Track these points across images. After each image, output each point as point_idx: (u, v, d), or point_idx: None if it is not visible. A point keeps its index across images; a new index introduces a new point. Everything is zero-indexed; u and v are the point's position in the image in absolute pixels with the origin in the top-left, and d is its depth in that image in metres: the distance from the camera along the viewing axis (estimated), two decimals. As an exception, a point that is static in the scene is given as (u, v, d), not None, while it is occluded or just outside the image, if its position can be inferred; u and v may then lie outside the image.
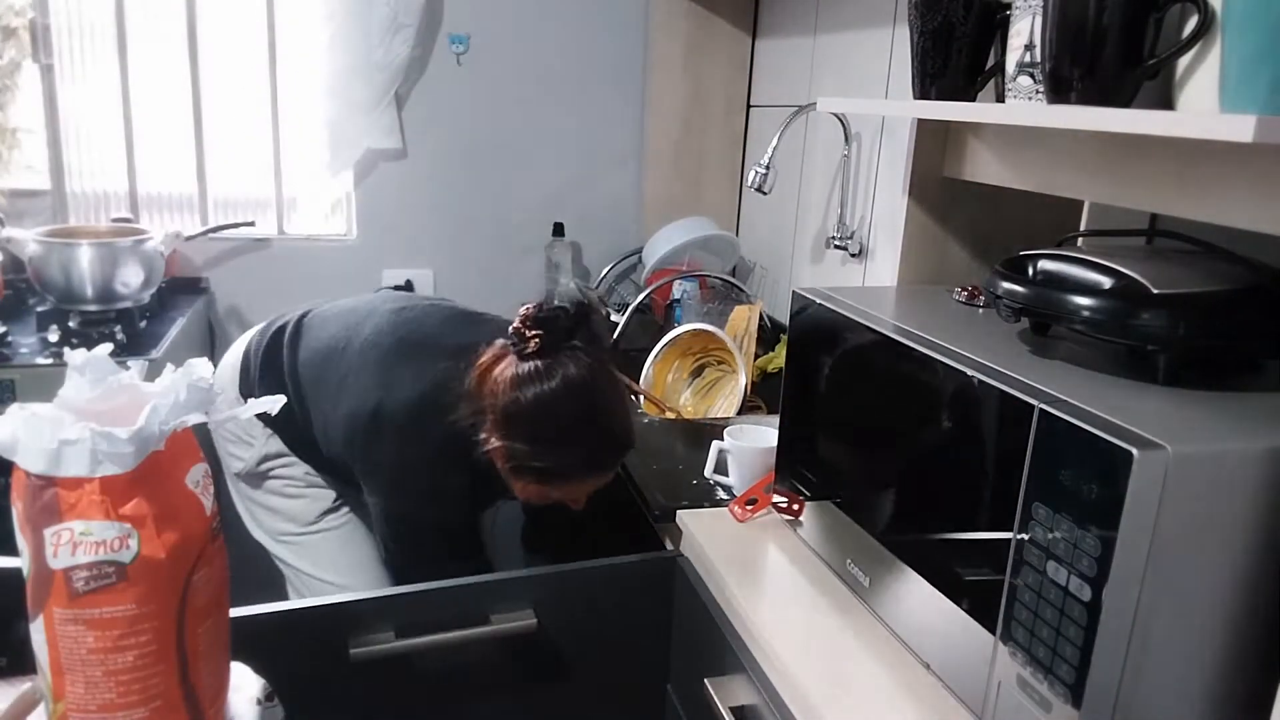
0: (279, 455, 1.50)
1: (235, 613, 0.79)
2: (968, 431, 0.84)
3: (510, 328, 1.23)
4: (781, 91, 2.24)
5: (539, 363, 1.19)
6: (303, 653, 1.04)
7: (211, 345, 2.28)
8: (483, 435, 1.23)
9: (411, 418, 1.28)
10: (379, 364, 1.34)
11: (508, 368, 1.21)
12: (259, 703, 0.80)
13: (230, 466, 1.55)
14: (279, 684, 0.84)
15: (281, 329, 1.50)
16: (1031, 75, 0.95)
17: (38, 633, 0.68)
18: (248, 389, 1.49)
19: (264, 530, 1.56)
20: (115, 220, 2.12)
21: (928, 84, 1.09)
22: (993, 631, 0.80)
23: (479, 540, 1.47)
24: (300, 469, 1.51)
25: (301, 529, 1.54)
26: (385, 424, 1.29)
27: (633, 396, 1.75)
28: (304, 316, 1.51)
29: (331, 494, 1.54)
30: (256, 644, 0.85)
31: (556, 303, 1.32)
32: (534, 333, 1.20)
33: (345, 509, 1.56)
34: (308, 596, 1.50)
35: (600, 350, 1.27)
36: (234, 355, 1.55)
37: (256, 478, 1.53)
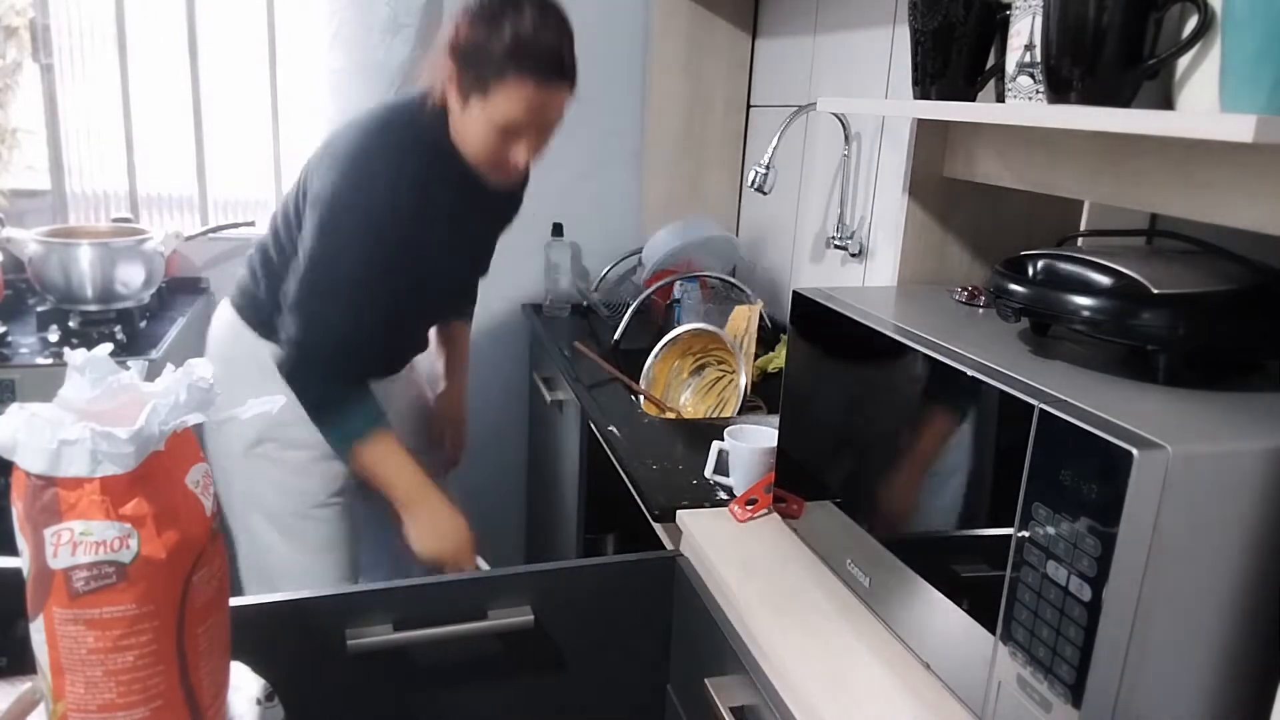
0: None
1: (232, 603, 0.79)
2: (968, 431, 0.84)
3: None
4: (781, 91, 2.24)
5: None
6: (300, 642, 1.04)
7: (211, 345, 2.28)
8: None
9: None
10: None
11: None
12: (259, 703, 0.80)
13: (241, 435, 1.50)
14: (275, 672, 0.84)
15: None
16: (1031, 75, 0.95)
17: (38, 633, 0.68)
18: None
19: (262, 510, 1.53)
20: (115, 220, 2.12)
21: (928, 84, 1.09)
22: (993, 631, 0.80)
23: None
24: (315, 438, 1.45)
25: (308, 508, 1.53)
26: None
27: (633, 397, 1.75)
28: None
29: (340, 475, 1.53)
30: (254, 633, 0.85)
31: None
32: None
33: (344, 499, 1.56)
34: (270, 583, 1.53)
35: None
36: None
37: (274, 445, 1.50)
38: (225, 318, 1.57)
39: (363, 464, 1.38)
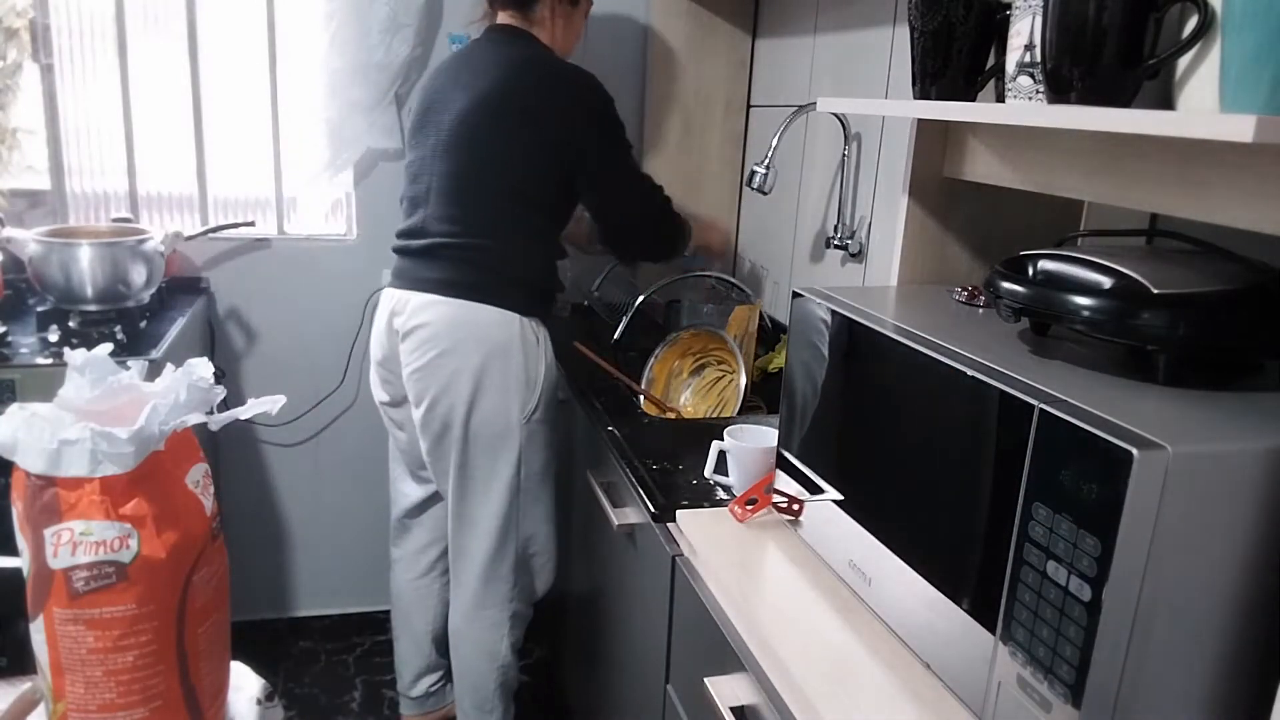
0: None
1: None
2: (968, 431, 0.84)
3: None
4: (781, 91, 2.24)
5: None
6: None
7: (211, 345, 2.28)
8: None
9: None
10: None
11: None
12: (259, 703, 0.80)
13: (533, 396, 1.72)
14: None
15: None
16: (1031, 75, 0.95)
17: (38, 633, 0.68)
18: None
19: (530, 472, 1.75)
20: (115, 220, 2.12)
21: (928, 84, 1.09)
22: (993, 631, 0.80)
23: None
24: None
25: (546, 472, 1.79)
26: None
27: (633, 397, 1.75)
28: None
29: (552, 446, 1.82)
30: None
31: None
32: None
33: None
34: (529, 547, 1.79)
35: None
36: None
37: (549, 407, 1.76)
38: (464, 314, 1.68)
39: None
